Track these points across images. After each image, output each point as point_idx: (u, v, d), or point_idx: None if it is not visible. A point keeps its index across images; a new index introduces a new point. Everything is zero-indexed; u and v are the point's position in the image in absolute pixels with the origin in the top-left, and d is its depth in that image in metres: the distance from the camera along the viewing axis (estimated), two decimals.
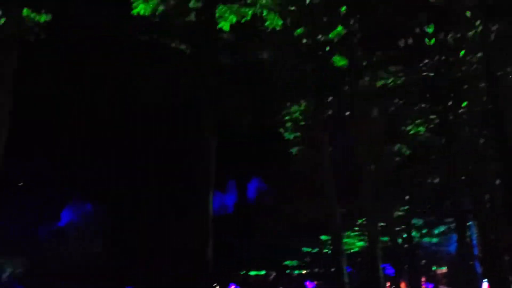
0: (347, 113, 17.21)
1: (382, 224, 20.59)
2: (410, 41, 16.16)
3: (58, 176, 33.15)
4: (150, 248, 33.52)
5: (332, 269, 19.66)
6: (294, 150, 20.80)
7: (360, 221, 23.74)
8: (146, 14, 14.45)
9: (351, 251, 26.78)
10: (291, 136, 19.75)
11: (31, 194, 35.54)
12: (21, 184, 34.00)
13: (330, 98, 17.16)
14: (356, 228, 25.88)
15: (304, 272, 36.07)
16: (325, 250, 27.99)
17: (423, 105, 18.54)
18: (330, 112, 17.47)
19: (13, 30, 12.73)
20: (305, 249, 31.37)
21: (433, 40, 15.88)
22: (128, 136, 27.28)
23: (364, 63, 16.60)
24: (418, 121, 18.34)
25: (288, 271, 35.82)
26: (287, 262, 33.34)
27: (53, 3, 14.08)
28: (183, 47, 15.49)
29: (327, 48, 16.00)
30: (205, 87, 15.34)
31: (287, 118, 19.24)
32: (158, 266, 32.87)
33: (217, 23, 14.55)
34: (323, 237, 26.86)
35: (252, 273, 37.99)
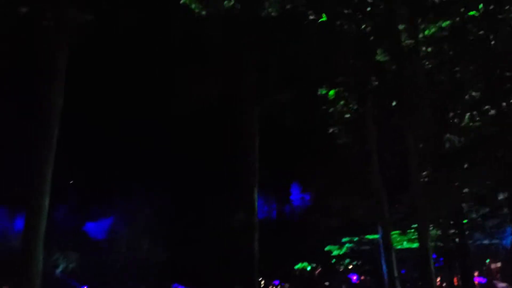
0: (395, 103, 16.82)
1: (433, 218, 20.01)
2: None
3: (107, 173, 33.92)
4: (197, 245, 33.92)
5: (381, 264, 19.32)
6: (340, 142, 20.52)
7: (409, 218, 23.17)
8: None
9: (400, 247, 26.23)
10: (337, 131, 19.48)
11: (81, 191, 36.55)
12: (71, 182, 34.98)
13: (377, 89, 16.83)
14: (406, 224, 25.30)
15: (350, 267, 35.76)
16: (370, 247, 27.59)
17: (474, 94, 17.92)
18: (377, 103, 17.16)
19: (62, 30, 13.07)
20: (349, 245, 31.10)
21: None
22: (171, 132, 27.63)
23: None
24: (470, 111, 17.71)
25: (333, 266, 35.58)
26: (335, 252, 32.98)
27: (98, 3, 14.38)
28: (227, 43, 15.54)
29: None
30: (249, 82, 15.37)
31: (332, 110, 18.99)
32: (205, 263, 33.24)
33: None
34: (368, 236, 26.52)
35: (298, 266, 37.88)
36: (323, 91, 17.67)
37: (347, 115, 19.07)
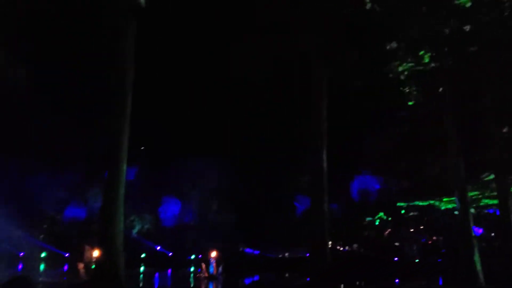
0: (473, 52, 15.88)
1: None
2: None
3: (177, 139, 34.78)
4: (265, 209, 34.39)
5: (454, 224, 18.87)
6: (411, 103, 19.79)
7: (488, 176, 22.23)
8: None
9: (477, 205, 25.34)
10: (410, 90, 18.73)
11: (153, 156, 37.80)
12: (143, 148, 36.14)
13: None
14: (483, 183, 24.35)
15: (421, 227, 35.18)
16: (448, 206, 26.83)
17: None
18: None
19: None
20: (419, 203, 30.45)
21: None
22: (239, 97, 27.71)
23: None
24: None
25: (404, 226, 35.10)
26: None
27: None
28: None
29: None
30: (317, 43, 15.09)
31: (402, 69, 18.27)
32: (273, 227, 33.70)
33: None
34: (445, 200, 25.81)
35: (370, 219, 37.59)
36: (392, 46, 16.90)
37: (419, 69, 18.29)
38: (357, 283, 21.51)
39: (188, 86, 28.40)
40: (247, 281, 27.78)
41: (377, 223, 37.18)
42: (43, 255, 39.81)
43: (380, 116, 25.70)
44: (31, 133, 31.60)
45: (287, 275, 28.79)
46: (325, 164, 17.09)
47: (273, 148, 31.26)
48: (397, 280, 23.42)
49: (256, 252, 36.25)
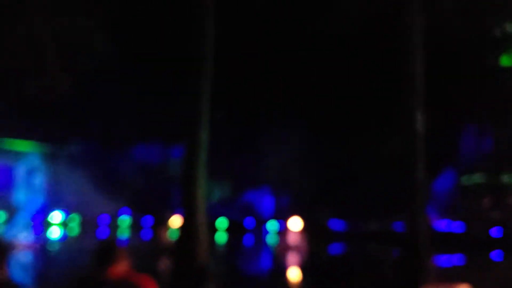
0: None
1: None
2: None
3: (256, 102, 34.33)
4: (351, 175, 33.32)
5: None
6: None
7: None
8: None
9: None
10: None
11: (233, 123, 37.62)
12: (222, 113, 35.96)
13: None
14: None
15: None
16: None
17: None
18: None
19: None
20: None
21: None
22: (324, 55, 26.54)
23: None
24: None
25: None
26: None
27: None
28: None
29: None
30: None
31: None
32: (361, 194, 32.62)
33: None
34: None
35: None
36: None
37: None
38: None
39: (268, 47, 27.59)
40: (332, 251, 27.24)
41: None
42: (127, 222, 41.38)
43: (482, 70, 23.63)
44: (113, 101, 32.40)
45: (375, 247, 27.87)
46: (420, 126, 15.80)
47: (360, 111, 29.85)
48: None
49: (341, 222, 35.47)
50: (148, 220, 40.22)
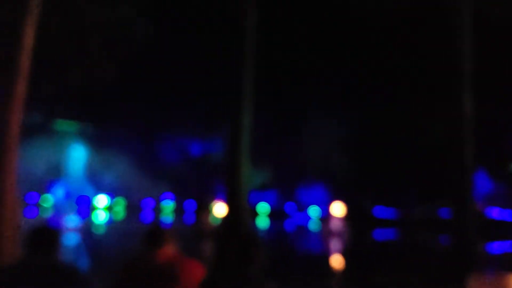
0: None
1: None
2: None
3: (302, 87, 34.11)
4: (392, 162, 32.73)
5: None
6: None
7: None
8: None
9: None
10: None
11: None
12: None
13: None
14: None
15: None
16: None
17: None
18: None
19: None
20: None
21: None
22: (372, 42, 26.03)
23: None
24: None
25: None
26: None
27: None
28: None
29: None
30: None
31: None
32: (404, 181, 32.07)
33: None
34: None
35: None
36: None
37: None
38: None
39: (311, 33, 27.30)
40: (377, 237, 26.97)
41: None
42: (170, 206, 42.16)
43: None
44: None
45: (420, 233, 27.41)
46: (468, 110, 15.30)
47: (406, 96, 29.17)
48: None
49: (385, 208, 35.04)
50: (191, 204, 40.83)
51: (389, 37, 23.75)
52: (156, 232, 3.36)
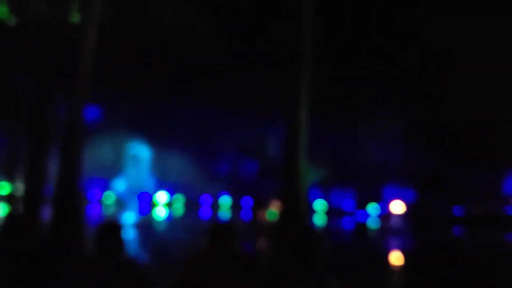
0: None
1: None
2: None
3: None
4: (460, 157, 31.58)
5: None
6: None
7: None
8: None
9: None
10: None
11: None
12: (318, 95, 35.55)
13: None
14: None
15: None
16: None
17: None
18: None
19: None
20: None
21: None
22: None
23: None
24: None
25: None
26: None
27: None
28: None
29: None
30: None
31: None
32: (471, 170, 30.83)
33: None
34: None
35: None
36: None
37: None
38: None
39: (369, 25, 26.82)
40: (438, 236, 26.13)
41: None
42: (227, 202, 42.52)
43: None
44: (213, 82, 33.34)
45: (485, 231, 26.37)
46: None
47: (466, 90, 28.11)
48: None
49: (447, 205, 33.90)
50: (248, 201, 40.98)
51: (452, 28, 23.00)
52: (221, 228, 3.36)
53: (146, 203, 38.97)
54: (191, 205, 40.54)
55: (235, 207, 40.34)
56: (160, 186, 44.57)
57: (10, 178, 14.67)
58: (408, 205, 30.45)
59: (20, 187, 14.38)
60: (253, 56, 29.53)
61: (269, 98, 27.09)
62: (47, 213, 13.69)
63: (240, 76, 32.44)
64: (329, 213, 37.04)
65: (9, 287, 2.86)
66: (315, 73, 13.58)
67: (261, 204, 28.73)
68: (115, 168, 47.57)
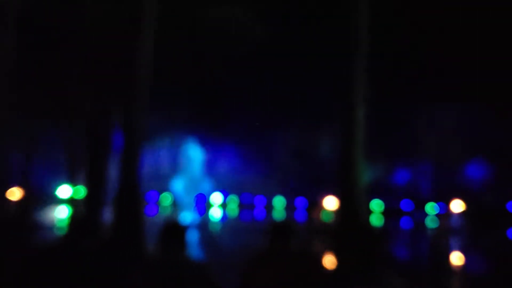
0: None
1: None
2: None
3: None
4: None
5: None
6: None
7: None
8: None
9: None
10: None
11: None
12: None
13: None
14: None
15: None
16: None
17: None
18: None
19: None
20: None
21: None
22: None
23: None
24: None
25: None
26: None
27: None
28: None
29: None
30: None
31: None
32: None
33: None
34: None
35: None
36: None
37: None
38: None
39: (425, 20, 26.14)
40: (503, 237, 25.04)
41: None
42: (281, 203, 42.56)
43: None
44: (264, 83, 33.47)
45: None
46: None
47: None
48: None
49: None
50: (302, 201, 40.83)
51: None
52: (282, 227, 3.31)
53: (201, 204, 39.51)
54: (246, 206, 40.82)
55: (290, 207, 40.25)
56: (215, 187, 45.09)
57: (72, 182, 15.22)
58: (468, 204, 29.36)
59: (82, 190, 14.87)
60: (308, 55, 29.40)
61: (324, 98, 26.87)
62: (107, 215, 14.09)
63: (294, 76, 32.39)
64: (386, 213, 36.27)
65: (75, 287, 2.90)
66: (371, 70, 13.34)
67: (316, 203, 28.48)
68: (172, 170, 48.56)
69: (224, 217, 34.69)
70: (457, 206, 27.91)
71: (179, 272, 2.92)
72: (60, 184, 28.67)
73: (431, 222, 31.78)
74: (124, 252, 10.43)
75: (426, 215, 35.43)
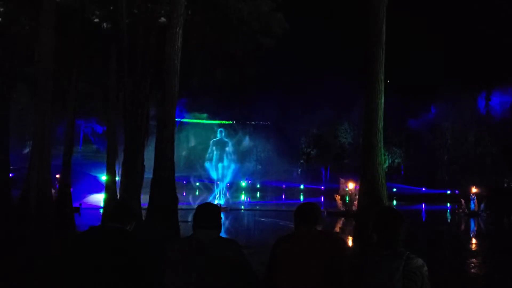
0: None
1: None
2: None
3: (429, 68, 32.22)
4: None
5: None
6: None
7: None
8: None
9: None
10: None
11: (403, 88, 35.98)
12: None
13: None
14: None
15: None
16: None
17: None
18: None
19: None
20: None
21: None
22: None
23: None
24: None
25: None
26: None
27: None
28: None
29: None
30: None
31: None
32: None
33: None
34: None
35: None
36: None
37: None
38: None
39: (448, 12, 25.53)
40: None
41: None
42: (302, 187, 43.03)
43: None
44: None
45: None
46: None
47: None
48: None
49: None
50: (324, 187, 40.95)
51: None
52: (308, 209, 3.31)
53: (230, 189, 39.83)
54: (272, 191, 41.01)
55: (313, 193, 40.29)
56: (243, 173, 45.47)
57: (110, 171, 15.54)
58: (485, 189, 28.81)
59: (120, 178, 15.14)
60: (330, 45, 29.11)
61: (346, 86, 26.65)
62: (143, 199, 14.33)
63: (318, 67, 32.16)
64: (405, 197, 35.88)
65: (116, 267, 2.97)
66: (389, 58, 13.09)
67: (338, 190, 28.33)
68: (202, 157, 49.10)
69: (251, 202, 34.85)
70: (473, 190, 27.40)
71: (212, 248, 2.98)
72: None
73: (450, 205, 31.33)
74: (161, 233, 10.63)
75: (446, 198, 34.98)
